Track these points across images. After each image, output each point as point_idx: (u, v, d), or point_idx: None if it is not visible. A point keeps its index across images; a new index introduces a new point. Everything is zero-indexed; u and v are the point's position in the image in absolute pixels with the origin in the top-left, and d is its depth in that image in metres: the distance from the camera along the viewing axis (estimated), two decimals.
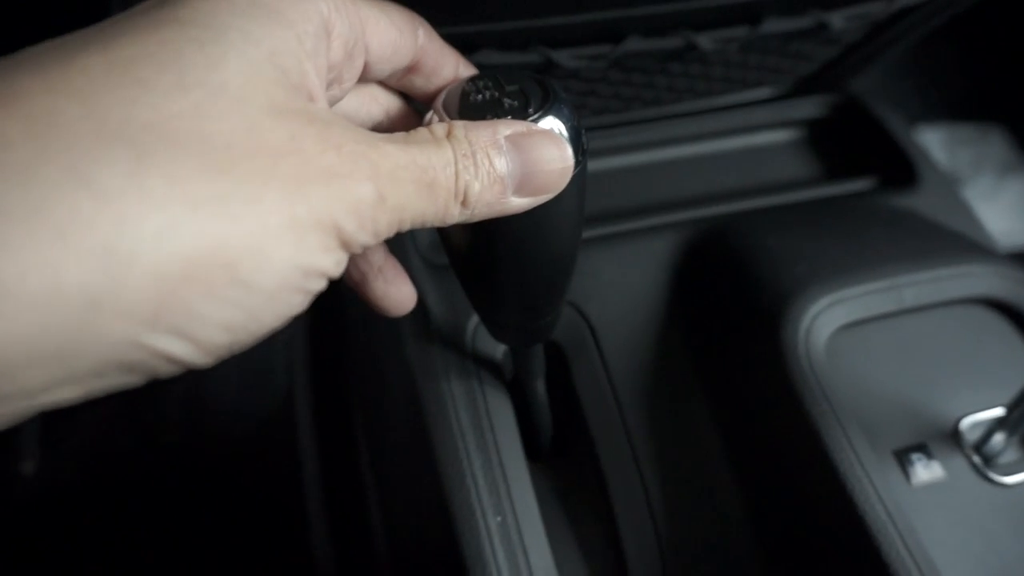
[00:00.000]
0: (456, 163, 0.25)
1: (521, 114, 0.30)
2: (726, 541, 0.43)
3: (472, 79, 0.32)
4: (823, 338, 0.44)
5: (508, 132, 0.27)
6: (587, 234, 0.53)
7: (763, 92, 0.65)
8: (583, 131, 0.32)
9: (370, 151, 0.23)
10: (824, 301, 0.44)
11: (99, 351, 0.18)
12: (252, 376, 0.87)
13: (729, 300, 0.48)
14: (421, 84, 0.33)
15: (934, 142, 1.32)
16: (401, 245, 0.50)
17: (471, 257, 0.36)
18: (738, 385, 0.45)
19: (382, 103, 0.33)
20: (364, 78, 0.30)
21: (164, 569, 0.86)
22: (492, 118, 0.29)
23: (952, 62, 1.37)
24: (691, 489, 0.45)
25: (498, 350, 0.47)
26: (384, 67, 0.30)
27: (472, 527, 0.41)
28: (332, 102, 0.29)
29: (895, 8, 0.51)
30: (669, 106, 0.63)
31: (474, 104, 0.31)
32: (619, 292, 0.51)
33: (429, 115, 0.31)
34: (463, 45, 0.44)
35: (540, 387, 0.45)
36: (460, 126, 0.26)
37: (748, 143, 0.63)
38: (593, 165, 0.61)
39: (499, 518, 0.42)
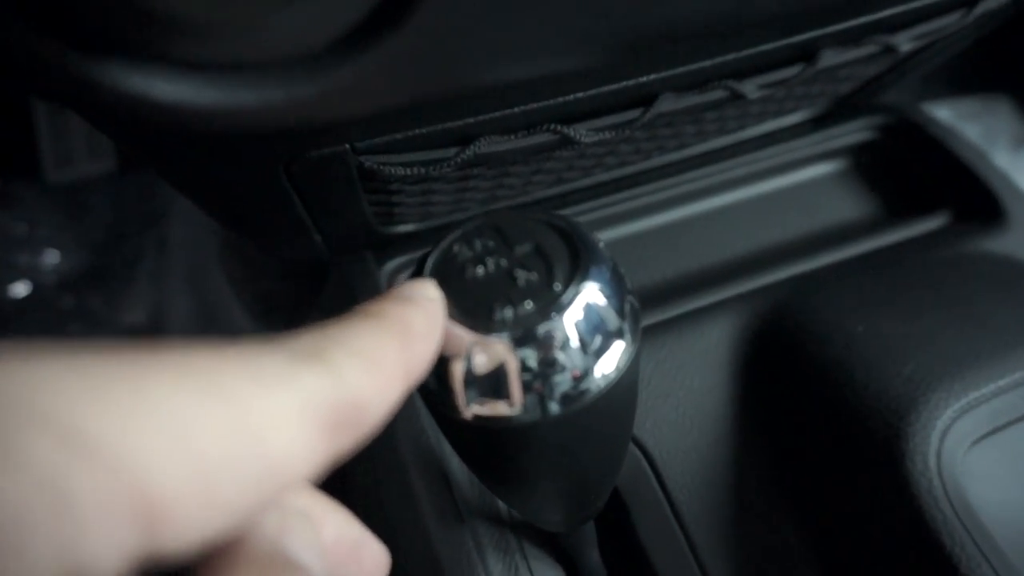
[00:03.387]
0: None
1: (544, 294, 0.21)
2: None
3: (465, 237, 0.23)
4: (957, 460, 0.34)
5: None
6: None
7: (795, 117, 0.56)
8: (632, 296, 0.23)
9: None
10: (951, 412, 0.35)
11: None
12: None
13: (820, 415, 0.38)
14: None
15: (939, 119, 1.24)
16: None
17: (493, 473, 0.27)
18: (851, 528, 0.36)
19: None
20: None
21: None
22: (502, 309, 0.21)
23: None
24: None
25: None
26: None
27: None
28: None
29: (972, 18, 0.41)
30: (693, 148, 0.53)
31: (475, 282, 0.22)
32: (675, 406, 0.41)
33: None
34: (458, 137, 0.35)
35: (594, 557, 0.36)
36: None
37: (789, 182, 0.54)
38: (613, 232, 0.51)
39: None
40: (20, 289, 1.07)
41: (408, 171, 0.35)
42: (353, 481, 0.40)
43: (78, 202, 1.06)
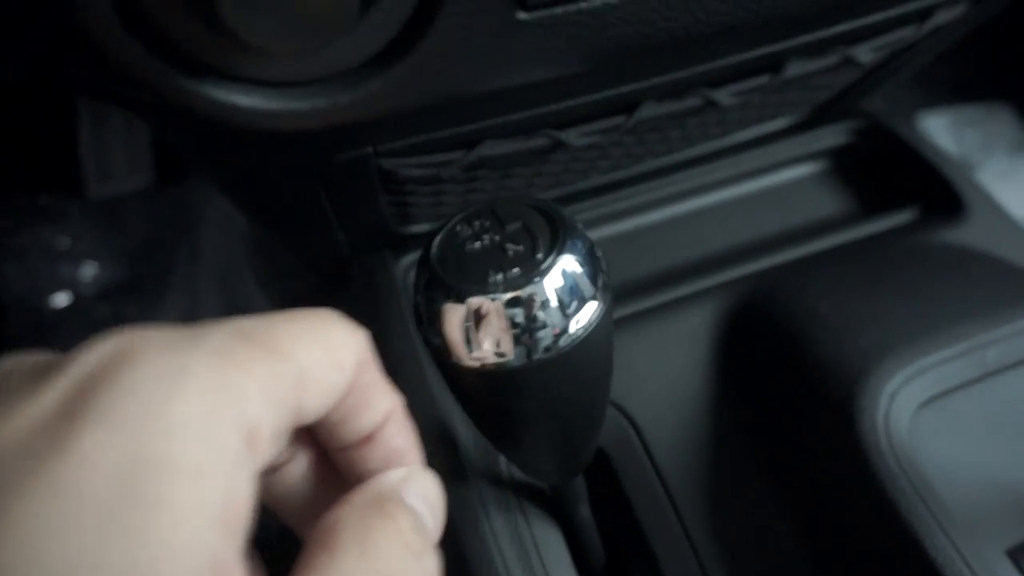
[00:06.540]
0: None
1: (528, 261, 0.26)
2: None
3: (466, 218, 0.28)
4: (904, 420, 0.39)
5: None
6: (614, 315, 0.49)
7: (778, 123, 0.61)
8: (603, 265, 0.28)
9: None
10: (899, 377, 0.39)
11: None
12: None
13: (788, 384, 0.43)
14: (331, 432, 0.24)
15: (939, 126, 1.28)
16: (417, 366, 0.45)
17: (490, 417, 0.32)
18: (815, 484, 0.40)
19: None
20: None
21: None
22: (495, 274, 0.26)
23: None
24: None
25: None
26: (313, 417, 0.22)
27: None
28: None
29: (925, 31, 0.46)
30: (682, 152, 0.58)
31: (472, 254, 0.27)
32: (660, 381, 0.46)
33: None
34: (465, 141, 0.40)
35: (584, 512, 0.41)
36: None
37: (771, 183, 0.59)
38: (608, 230, 0.56)
39: None
40: (61, 299, 1.11)
41: (421, 172, 0.40)
42: None
43: (117, 215, 1.12)
